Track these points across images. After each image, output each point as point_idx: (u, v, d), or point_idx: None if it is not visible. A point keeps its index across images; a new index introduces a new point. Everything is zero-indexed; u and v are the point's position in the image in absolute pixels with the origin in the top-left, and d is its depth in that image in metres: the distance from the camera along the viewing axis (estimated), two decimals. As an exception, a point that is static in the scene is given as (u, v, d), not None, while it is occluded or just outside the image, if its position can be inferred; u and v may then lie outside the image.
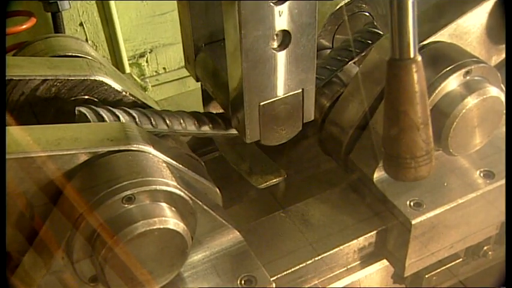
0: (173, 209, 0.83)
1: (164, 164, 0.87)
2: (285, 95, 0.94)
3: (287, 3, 0.82)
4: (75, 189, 0.80)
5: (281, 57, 0.88)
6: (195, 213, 0.87)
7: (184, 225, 0.82)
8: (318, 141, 1.18)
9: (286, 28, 0.85)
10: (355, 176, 1.12)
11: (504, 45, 1.09)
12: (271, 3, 0.82)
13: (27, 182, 0.79)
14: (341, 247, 1.05)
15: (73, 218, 0.78)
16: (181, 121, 1.00)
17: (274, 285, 0.94)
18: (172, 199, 0.83)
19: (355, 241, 1.06)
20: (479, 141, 1.05)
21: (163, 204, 0.82)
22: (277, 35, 0.86)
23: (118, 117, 0.93)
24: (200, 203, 0.89)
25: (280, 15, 0.83)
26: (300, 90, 0.95)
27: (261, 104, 0.92)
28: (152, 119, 0.97)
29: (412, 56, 0.82)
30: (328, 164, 1.22)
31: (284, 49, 0.87)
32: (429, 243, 1.08)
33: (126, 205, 0.79)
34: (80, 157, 0.82)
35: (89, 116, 0.91)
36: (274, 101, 0.93)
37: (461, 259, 1.22)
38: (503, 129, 1.10)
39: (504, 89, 1.03)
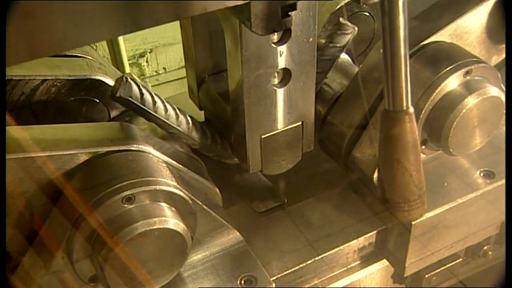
0: (173, 209, 0.83)
1: (164, 164, 0.87)
2: (285, 128, 0.97)
3: (287, 43, 0.85)
4: (75, 189, 0.80)
5: (281, 93, 0.91)
6: (195, 213, 0.87)
7: (184, 225, 0.82)
8: (318, 141, 1.18)
9: (287, 66, 0.88)
10: (355, 176, 1.12)
11: (504, 45, 1.09)
12: (273, 44, 0.85)
13: (27, 182, 0.79)
14: (341, 247, 1.05)
15: (73, 218, 0.78)
16: (199, 129, 1.01)
17: (274, 285, 0.94)
18: (172, 199, 0.83)
19: (355, 241, 1.06)
20: (479, 141, 1.05)
21: (163, 204, 0.82)
22: (278, 72, 0.89)
23: (154, 99, 0.93)
24: (200, 203, 0.89)
25: (280, 55, 0.86)
26: (300, 123, 0.98)
27: (263, 137, 0.95)
28: (180, 117, 0.97)
29: (404, 108, 0.86)
30: (328, 164, 1.22)
31: (284, 86, 0.91)
32: (429, 243, 1.08)
33: (126, 205, 0.79)
34: (79, 157, 0.82)
35: (133, 86, 0.90)
36: (275, 134, 0.96)
37: (461, 259, 1.22)
38: (503, 129, 1.10)
39: (504, 89, 1.03)
